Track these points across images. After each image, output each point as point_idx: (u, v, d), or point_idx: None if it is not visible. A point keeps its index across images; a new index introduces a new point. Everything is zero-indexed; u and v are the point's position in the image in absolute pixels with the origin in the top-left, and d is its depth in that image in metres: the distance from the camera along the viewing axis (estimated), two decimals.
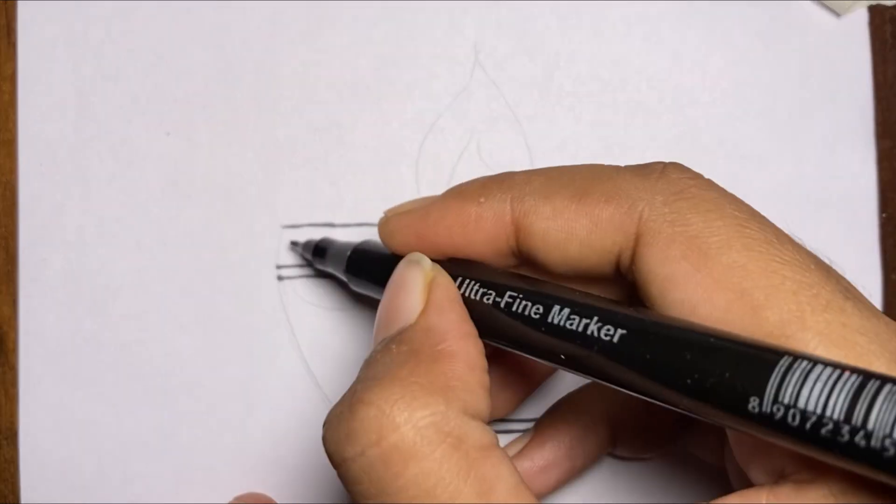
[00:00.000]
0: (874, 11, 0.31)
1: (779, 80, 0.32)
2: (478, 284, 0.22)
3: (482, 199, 0.22)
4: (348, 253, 0.28)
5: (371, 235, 0.31)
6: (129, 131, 0.32)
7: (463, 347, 0.20)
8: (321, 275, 0.31)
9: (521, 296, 0.21)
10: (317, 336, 0.31)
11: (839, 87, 0.32)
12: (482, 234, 0.22)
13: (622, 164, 0.22)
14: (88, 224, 0.31)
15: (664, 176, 0.20)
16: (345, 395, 0.20)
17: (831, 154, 0.31)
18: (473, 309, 0.22)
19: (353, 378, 0.31)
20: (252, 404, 0.31)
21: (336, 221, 0.31)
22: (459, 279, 0.22)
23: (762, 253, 0.18)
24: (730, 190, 0.31)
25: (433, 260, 0.23)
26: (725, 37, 0.32)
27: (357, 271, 0.27)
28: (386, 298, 0.22)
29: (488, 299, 0.21)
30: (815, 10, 0.32)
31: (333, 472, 0.18)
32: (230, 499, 0.31)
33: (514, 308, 0.21)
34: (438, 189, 0.31)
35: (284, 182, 0.31)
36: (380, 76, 0.32)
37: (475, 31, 0.32)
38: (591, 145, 0.32)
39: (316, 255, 0.30)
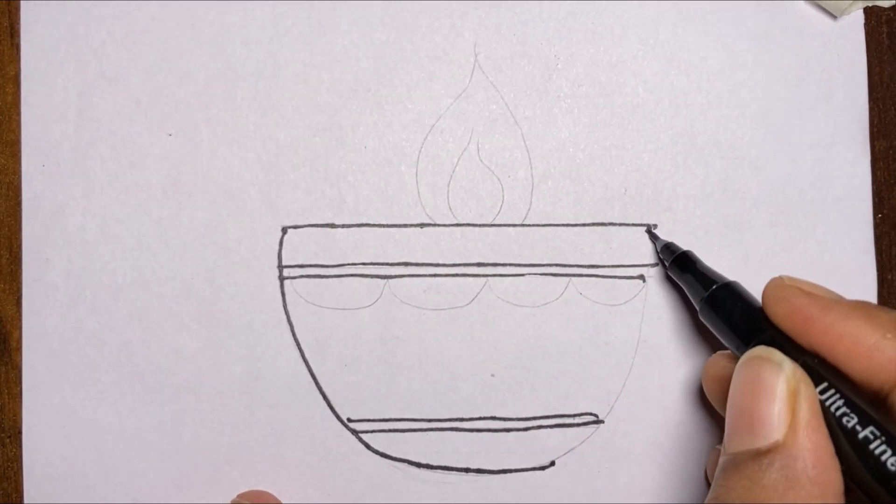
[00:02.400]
0: (870, 13, 0.32)
1: (775, 82, 0.32)
2: (842, 402, 0.20)
3: (889, 336, 0.21)
4: (713, 286, 0.27)
5: (372, 235, 0.32)
6: (131, 132, 0.32)
7: (833, 477, 0.20)
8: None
9: (883, 438, 0.19)
10: (318, 336, 0.32)
11: (834, 89, 0.32)
12: (872, 364, 0.21)
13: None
14: (91, 224, 0.32)
15: None
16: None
17: (826, 155, 0.32)
18: (826, 423, 0.20)
19: (354, 377, 0.31)
20: (253, 403, 0.32)
21: (337, 222, 0.32)
22: (823, 385, 0.21)
23: None
24: (726, 191, 0.31)
25: (794, 354, 0.22)
26: (722, 39, 0.32)
27: (714, 304, 0.26)
28: (743, 398, 0.21)
29: (848, 422, 0.20)
30: (812, 12, 0.32)
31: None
32: (233, 497, 0.31)
33: (872, 447, 0.19)
34: (439, 190, 0.32)
35: (285, 183, 0.32)
36: (380, 78, 0.32)
37: (475, 33, 0.32)
38: (589, 147, 0.32)
39: (674, 264, 0.29)
